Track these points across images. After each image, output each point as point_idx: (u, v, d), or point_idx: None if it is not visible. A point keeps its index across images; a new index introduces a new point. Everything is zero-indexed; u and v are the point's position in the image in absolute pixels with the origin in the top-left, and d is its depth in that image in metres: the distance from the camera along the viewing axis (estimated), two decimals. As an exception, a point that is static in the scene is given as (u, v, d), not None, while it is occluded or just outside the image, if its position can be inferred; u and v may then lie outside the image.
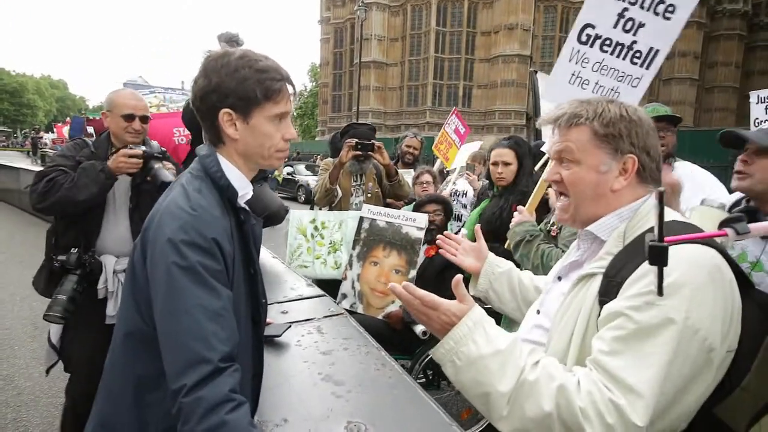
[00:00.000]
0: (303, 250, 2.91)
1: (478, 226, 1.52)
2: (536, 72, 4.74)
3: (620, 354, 0.83)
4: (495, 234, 2.33)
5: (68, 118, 25.53)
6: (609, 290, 0.91)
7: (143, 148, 1.97)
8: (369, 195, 3.13)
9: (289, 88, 1.02)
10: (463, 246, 1.49)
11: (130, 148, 1.93)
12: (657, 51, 1.83)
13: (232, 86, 0.96)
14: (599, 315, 0.91)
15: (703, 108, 41.37)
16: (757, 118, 3.74)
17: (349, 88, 44.57)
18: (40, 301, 4.19)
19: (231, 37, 2.35)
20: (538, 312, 1.17)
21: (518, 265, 1.49)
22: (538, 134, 4.13)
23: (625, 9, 1.81)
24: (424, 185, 3.41)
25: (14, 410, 2.86)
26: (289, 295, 1.98)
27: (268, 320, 1.35)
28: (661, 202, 0.73)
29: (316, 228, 2.93)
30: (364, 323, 1.79)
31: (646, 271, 0.86)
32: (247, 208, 1.06)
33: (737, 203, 1.50)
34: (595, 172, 1.00)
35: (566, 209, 1.06)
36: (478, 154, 5.23)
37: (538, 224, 2.04)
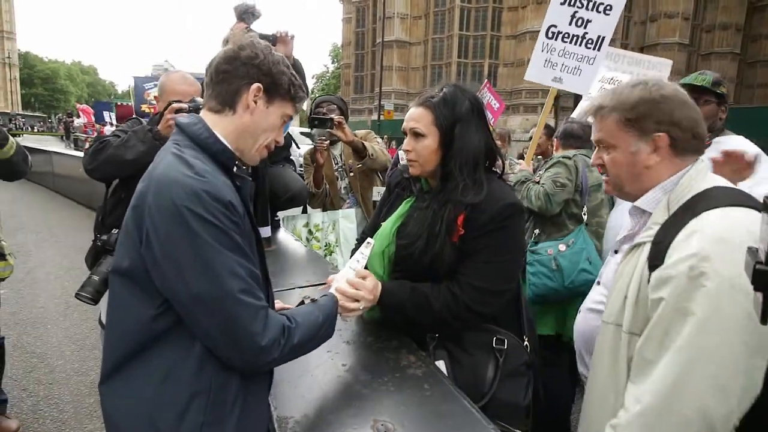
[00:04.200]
0: (302, 244, 2.83)
1: None
2: None
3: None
4: (416, 266, 1.35)
5: (84, 106, 26.11)
6: (657, 255, 0.98)
7: (196, 100, 1.86)
8: (352, 174, 2.89)
9: (300, 107, 1.11)
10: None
11: (176, 102, 1.85)
12: (603, 37, 2.59)
13: (273, 71, 1.03)
14: (649, 280, 0.98)
15: (744, 84, 39.16)
16: None
17: (372, 68, 44.08)
18: (72, 280, 4.32)
19: (247, 8, 2.25)
20: (599, 283, 1.38)
21: None
22: (577, 99, 3.85)
23: (575, 11, 2.58)
24: None
25: (46, 387, 2.94)
26: (312, 280, 1.90)
27: (279, 305, 1.29)
28: None
29: (310, 231, 2.82)
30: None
31: (688, 234, 0.95)
32: (244, 176, 1.05)
33: None
34: (627, 153, 1.11)
35: (609, 183, 1.20)
36: (502, 131, 5.02)
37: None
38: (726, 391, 0.86)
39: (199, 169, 0.91)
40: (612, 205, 2.60)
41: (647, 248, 1.02)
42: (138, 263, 0.89)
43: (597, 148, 1.19)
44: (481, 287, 1.29)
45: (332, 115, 2.62)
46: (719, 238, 0.90)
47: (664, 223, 1.02)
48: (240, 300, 0.88)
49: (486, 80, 5.37)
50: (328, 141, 2.77)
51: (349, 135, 2.65)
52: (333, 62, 60.66)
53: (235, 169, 1.03)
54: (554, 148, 2.87)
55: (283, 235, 2.71)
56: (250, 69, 1.01)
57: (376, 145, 2.80)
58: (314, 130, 2.74)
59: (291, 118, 1.11)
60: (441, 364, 1.31)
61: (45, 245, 6.37)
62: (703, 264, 0.88)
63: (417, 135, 1.37)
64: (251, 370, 0.96)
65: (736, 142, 1.99)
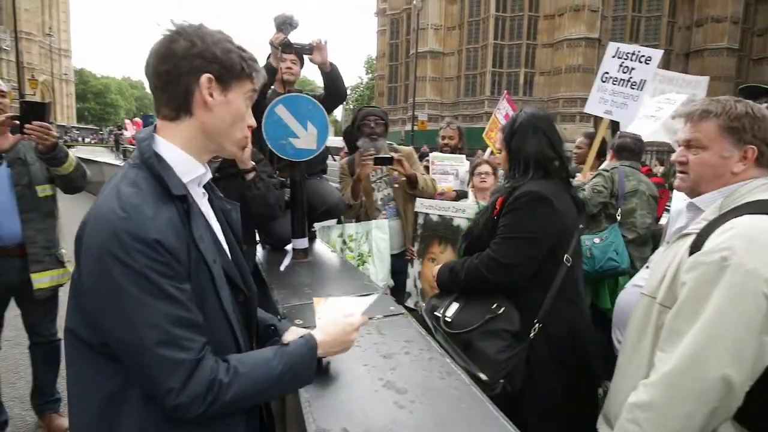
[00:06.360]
0: (338, 255, 2.87)
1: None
2: None
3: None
4: (475, 236, 1.81)
5: (136, 118, 27.46)
6: (697, 244, 1.15)
7: None
8: (396, 185, 2.94)
9: (259, 79, 0.99)
10: None
11: None
12: (645, 80, 3.35)
13: (218, 54, 0.90)
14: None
15: (802, 89, 36.71)
16: None
17: (405, 79, 44.37)
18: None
19: (286, 19, 2.32)
20: (647, 267, 1.68)
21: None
22: (615, 126, 3.83)
23: (623, 62, 3.41)
24: (482, 176, 3.10)
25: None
26: (347, 292, 1.92)
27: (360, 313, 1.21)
28: None
29: (344, 242, 2.86)
30: (424, 323, 1.71)
31: (724, 229, 1.11)
32: (191, 200, 0.94)
33: None
34: (719, 156, 1.25)
35: (685, 181, 1.35)
36: None
37: None
38: (742, 361, 1.02)
39: (125, 203, 0.83)
40: (649, 208, 3.08)
41: (692, 238, 1.18)
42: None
43: (681, 147, 1.35)
44: (493, 257, 1.63)
45: (392, 154, 2.74)
46: (747, 235, 1.07)
47: (712, 220, 1.18)
48: (154, 354, 0.81)
49: (505, 92, 5.38)
50: (374, 159, 2.80)
51: (408, 170, 2.80)
52: (367, 73, 61.52)
53: (192, 186, 0.95)
54: (609, 158, 3.41)
55: (319, 246, 2.76)
56: (192, 61, 0.88)
57: (428, 178, 2.96)
58: (360, 141, 2.84)
59: (255, 91, 0.99)
60: (454, 306, 1.70)
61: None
62: (731, 256, 1.05)
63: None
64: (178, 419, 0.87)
65: None
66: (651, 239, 3.05)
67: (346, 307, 1.23)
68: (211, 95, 0.90)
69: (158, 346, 0.81)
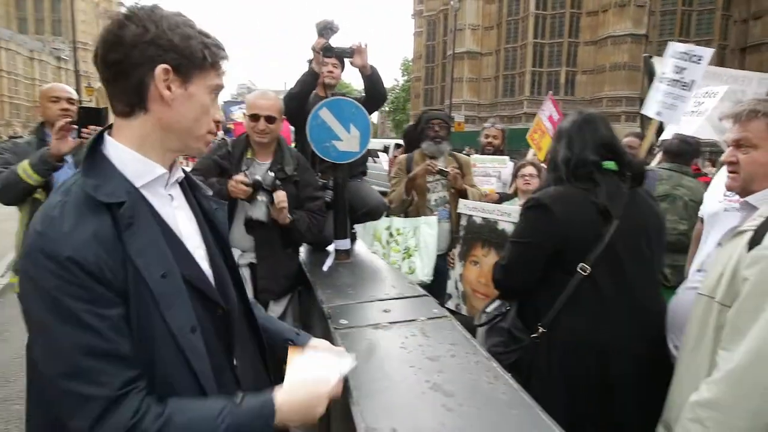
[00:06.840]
0: (378, 257, 2.92)
1: None
2: (651, 57, 4.57)
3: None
4: None
5: None
6: (756, 239, 1.13)
7: (257, 177, 2.07)
8: (453, 190, 2.99)
9: (225, 64, 0.88)
10: None
11: (245, 175, 2.06)
12: (694, 80, 3.25)
13: (176, 41, 0.79)
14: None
15: None
16: None
17: (442, 80, 44.13)
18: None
19: (326, 24, 2.37)
20: (699, 270, 1.65)
21: None
22: (660, 127, 3.67)
23: (676, 62, 3.33)
24: (527, 178, 3.05)
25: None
26: (390, 293, 1.93)
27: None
28: None
29: (391, 234, 2.93)
30: (466, 325, 1.70)
31: None
32: (164, 193, 0.86)
33: None
34: None
35: (736, 180, 1.39)
36: None
37: None
38: None
39: (44, 216, 0.75)
40: (685, 214, 2.83)
41: (749, 235, 1.17)
42: None
43: (731, 147, 1.38)
44: (499, 260, 1.77)
45: (449, 169, 2.93)
46: None
47: None
48: (58, 386, 0.72)
49: (549, 93, 5.25)
50: (438, 168, 2.95)
51: (460, 186, 2.94)
52: (403, 75, 61.57)
53: (172, 181, 0.88)
54: (659, 159, 3.41)
55: (360, 248, 2.79)
56: (145, 49, 0.77)
57: (476, 192, 3.06)
58: (425, 144, 3.03)
59: (221, 87, 0.88)
60: (496, 303, 1.89)
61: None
62: None
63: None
64: None
65: None
66: (687, 246, 2.70)
67: (323, 368, 1.05)
68: (168, 88, 0.80)
69: (62, 378, 0.72)
